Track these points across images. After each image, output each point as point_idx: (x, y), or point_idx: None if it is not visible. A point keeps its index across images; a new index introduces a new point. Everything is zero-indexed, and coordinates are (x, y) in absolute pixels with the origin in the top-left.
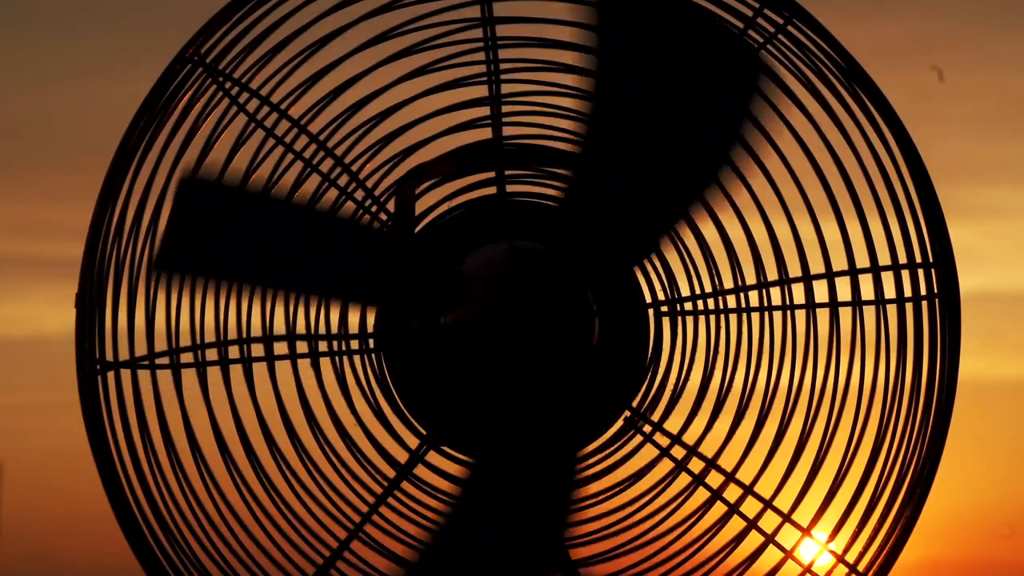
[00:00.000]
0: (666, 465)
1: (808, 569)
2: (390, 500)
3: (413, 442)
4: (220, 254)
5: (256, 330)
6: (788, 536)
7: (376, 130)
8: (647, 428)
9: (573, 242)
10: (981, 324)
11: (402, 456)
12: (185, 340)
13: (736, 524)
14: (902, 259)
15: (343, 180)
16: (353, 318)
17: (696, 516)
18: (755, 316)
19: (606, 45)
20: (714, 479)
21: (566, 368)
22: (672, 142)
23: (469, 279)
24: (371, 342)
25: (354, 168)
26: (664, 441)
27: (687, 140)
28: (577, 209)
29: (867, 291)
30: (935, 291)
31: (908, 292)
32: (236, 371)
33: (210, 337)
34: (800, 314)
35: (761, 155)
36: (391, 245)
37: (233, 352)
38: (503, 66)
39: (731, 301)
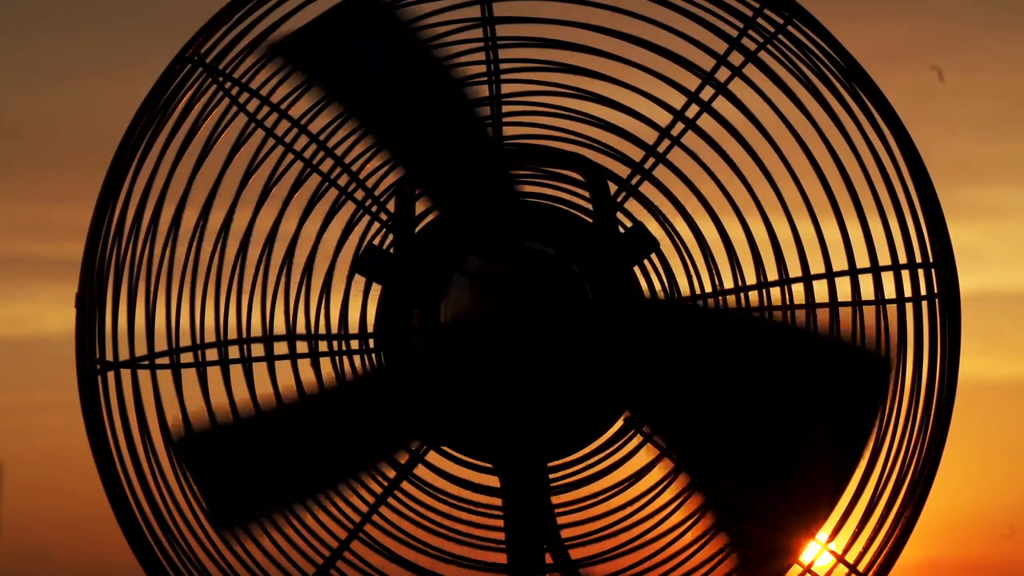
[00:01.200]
0: (666, 465)
1: (808, 569)
2: (390, 500)
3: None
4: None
5: (256, 330)
6: None
7: None
8: (647, 428)
9: (573, 242)
10: (981, 324)
11: (402, 456)
12: (185, 340)
13: None
14: (902, 259)
15: (343, 180)
16: (353, 318)
17: (697, 516)
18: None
19: None
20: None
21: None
22: None
23: (469, 279)
24: (371, 342)
25: (354, 168)
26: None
27: None
28: None
29: (867, 291)
30: (935, 291)
31: (908, 292)
32: (236, 371)
33: (210, 337)
34: (800, 314)
35: (762, 154)
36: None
37: (233, 352)
38: (503, 66)
39: (731, 301)
